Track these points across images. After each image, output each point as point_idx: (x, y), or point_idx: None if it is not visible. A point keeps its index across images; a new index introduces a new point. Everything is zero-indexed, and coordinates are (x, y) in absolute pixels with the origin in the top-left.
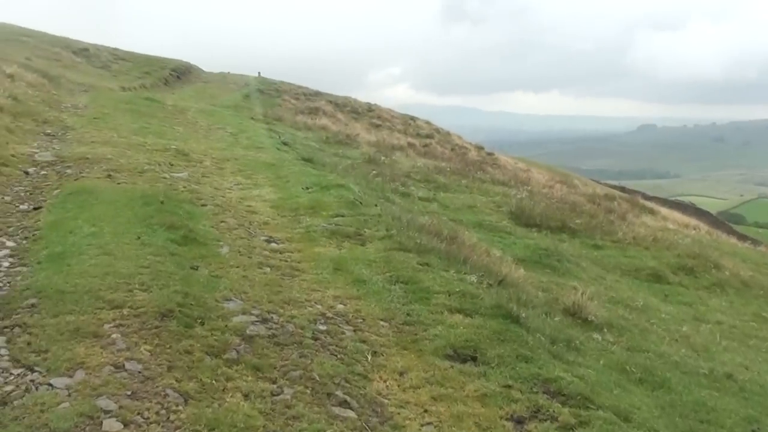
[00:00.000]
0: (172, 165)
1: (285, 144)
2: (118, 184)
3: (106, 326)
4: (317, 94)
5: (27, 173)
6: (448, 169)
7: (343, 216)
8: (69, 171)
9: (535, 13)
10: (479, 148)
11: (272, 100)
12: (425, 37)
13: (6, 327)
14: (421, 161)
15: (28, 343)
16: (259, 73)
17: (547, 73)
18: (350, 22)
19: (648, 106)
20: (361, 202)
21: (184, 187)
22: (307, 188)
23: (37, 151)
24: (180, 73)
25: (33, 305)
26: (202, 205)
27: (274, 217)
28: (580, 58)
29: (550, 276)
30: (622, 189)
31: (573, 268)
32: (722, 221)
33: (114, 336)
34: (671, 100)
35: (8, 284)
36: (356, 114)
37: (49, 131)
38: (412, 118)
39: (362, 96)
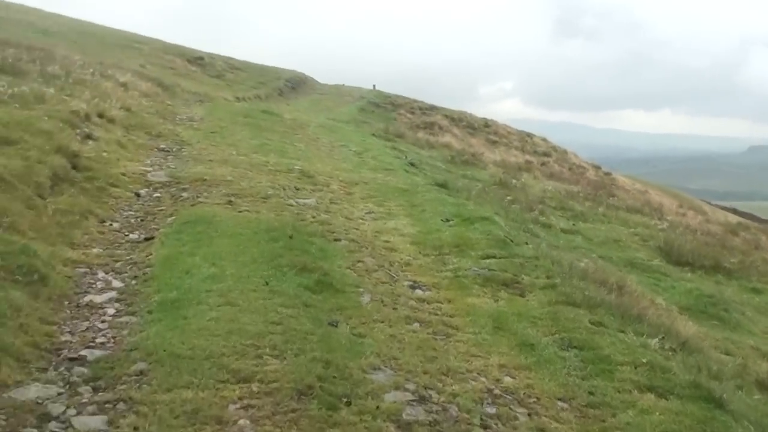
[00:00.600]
0: (297, 189)
1: (412, 165)
2: (240, 212)
3: (232, 408)
4: (432, 109)
5: (138, 195)
6: (580, 194)
7: (494, 257)
8: (185, 194)
9: (650, 29)
10: (596, 167)
11: (388, 114)
12: (538, 52)
13: (108, 402)
14: (550, 184)
15: (135, 429)
16: (374, 86)
17: (659, 90)
18: (463, 35)
19: (760, 127)
20: (511, 240)
21: (313, 216)
22: (447, 220)
23: (150, 169)
24: (295, 84)
25: (141, 372)
26: (335, 240)
27: (416, 255)
28: (693, 74)
29: (721, 330)
30: (734, 211)
31: (742, 320)
32: None
33: (242, 422)
34: None
35: (113, 340)
36: (472, 129)
37: (163, 146)
38: (529, 135)
39: (473, 109)
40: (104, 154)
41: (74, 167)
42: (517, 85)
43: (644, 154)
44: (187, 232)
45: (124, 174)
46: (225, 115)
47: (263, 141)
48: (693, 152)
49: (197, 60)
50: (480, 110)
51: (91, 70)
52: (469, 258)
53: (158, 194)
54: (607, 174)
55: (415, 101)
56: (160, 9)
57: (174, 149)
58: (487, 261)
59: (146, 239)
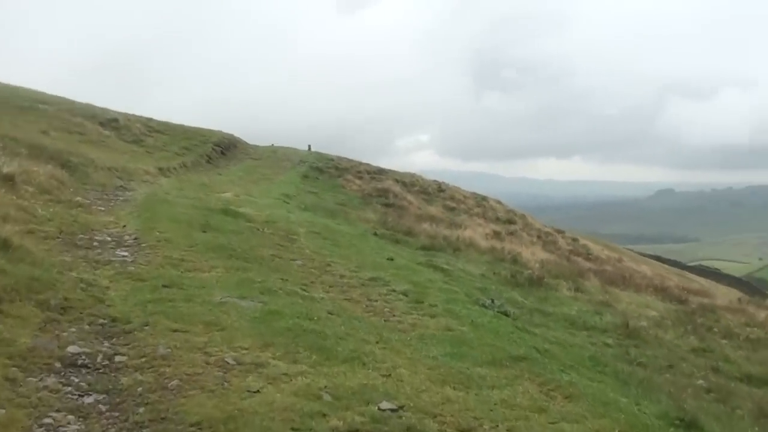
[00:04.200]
0: None
1: (507, 315)
2: None
3: None
4: (381, 172)
5: None
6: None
7: None
8: None
9: (570, 81)
10: (559, 231)
11: (334, 181)
12: (455, 104)
13: None
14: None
15: None
16: (309, 146)
17: (572, 139)
18: (380, 88)
19: (669, 172)
20: None
21: None
22: None
23: None
24: (224, 148)
25: None
26: None
27: None
28: (607, 123)
29: None
30: (658, 258)
31: None
32: (758, 288)
33: None
34: (692, 165)
35: None
36: (426, 195)
37: (74, 352)
38: (484, 198)
39: (390, 161)
40: None
41: None
42: (433, 136)
43: (555, 200)
44: None
45: None
46: (171, 227)
47: (260, 297)
48: (604, 197)
49: (111, 122)
50: (397, 162)
51: None
52: None
53: None
54: (575, 240)
55: (361, 163)
56: (70, 64)
57: (98, 356)
58: None
59: None
